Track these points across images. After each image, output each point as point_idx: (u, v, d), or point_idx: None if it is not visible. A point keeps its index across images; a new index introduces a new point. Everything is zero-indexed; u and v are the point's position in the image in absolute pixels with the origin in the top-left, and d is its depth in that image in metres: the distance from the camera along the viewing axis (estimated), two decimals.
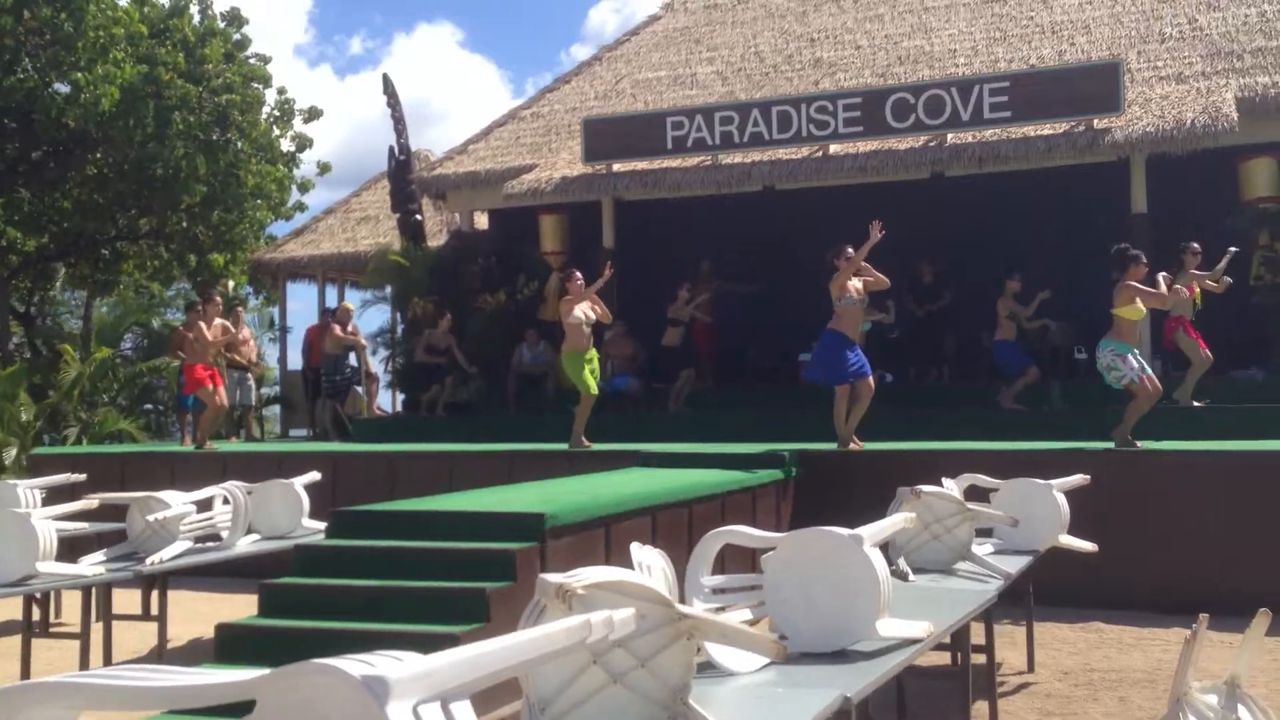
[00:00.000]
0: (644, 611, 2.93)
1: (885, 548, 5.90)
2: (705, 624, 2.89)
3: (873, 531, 4.14)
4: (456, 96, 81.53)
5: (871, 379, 10.44)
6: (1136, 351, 9.46)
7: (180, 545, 7.61)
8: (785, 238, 15.55)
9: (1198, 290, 11.50)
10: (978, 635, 6.12)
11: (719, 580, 4.05)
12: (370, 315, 19.30)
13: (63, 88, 17.87)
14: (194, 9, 19.46)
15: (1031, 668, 7.19)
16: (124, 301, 24.12)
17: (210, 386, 12.62)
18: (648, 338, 14.88)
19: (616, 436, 11.98)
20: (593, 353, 11.47)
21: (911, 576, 5.87)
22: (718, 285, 15.24)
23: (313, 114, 21.00)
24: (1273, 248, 13.10)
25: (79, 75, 17.03)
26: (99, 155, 19.83)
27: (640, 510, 7.25)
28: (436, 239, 18.49)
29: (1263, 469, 8.92)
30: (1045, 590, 8.39)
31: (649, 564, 3.27)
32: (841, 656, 3.99)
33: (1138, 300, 9.27)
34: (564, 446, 11.23)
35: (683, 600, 3.94)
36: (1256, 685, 6.76)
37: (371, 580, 5.95)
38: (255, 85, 19.65)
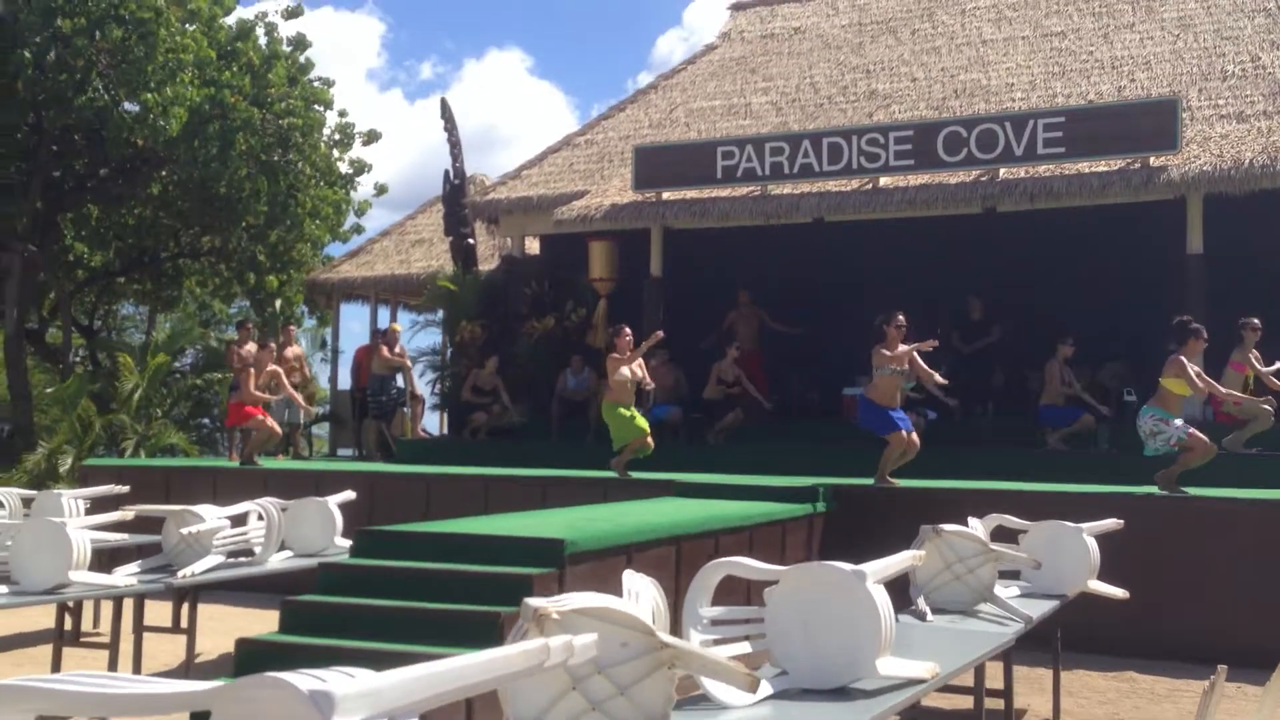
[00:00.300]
0: (625, 639, 2.93)
1: (904, 586, 5.84)
2: (686, 654, 2.87)
3: (877, 568, 4.09)
4: (523, 122, 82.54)
5: (915, 435, 10.37)
6: (1180, 420, 9.29)
7: (212, 559, 7.73)
8: (834, 270, 15.48)
9: (1250, 371, 11.25)
10: (996, 679, 6.03)
11: (718, 611, 4.03)
12: (420, 338, 19.55)
13: (131, 107, 18.31)
14: (259, 32, 19.90)
15: (1057, 715, 7.06)
16: (187, 316, 24.61)
17: (260, 417, 12.89)
18: (690, 366, 14.87)
19: (654, 466, 11.97)
20: (633, 411, 11.43)
21: (930, 616, 5.81)
22: (762, 315, 15.24)
23: (371, 137, 21.32)
24: None
25: (149, 96, 17.47)
26: (164, 174, 20.29)
27: (665, 540, 7.23)
28: (488, 263, 18.66)
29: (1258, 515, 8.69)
30: (1079, 637, 8.26)
31: (638, 591, 3.27)
32: (841, 694, 3.95)
33: (1185, 377, 9.13)
34: (601, 473, 11.25)
35: (679, 630, 3.92)
36: None
37: (391, 600, 5.98)
38: (317, 108, 20.00)
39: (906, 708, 5.40)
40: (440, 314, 18.88)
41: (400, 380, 16.49)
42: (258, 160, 19.02)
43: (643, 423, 11.11)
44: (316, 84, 20.55)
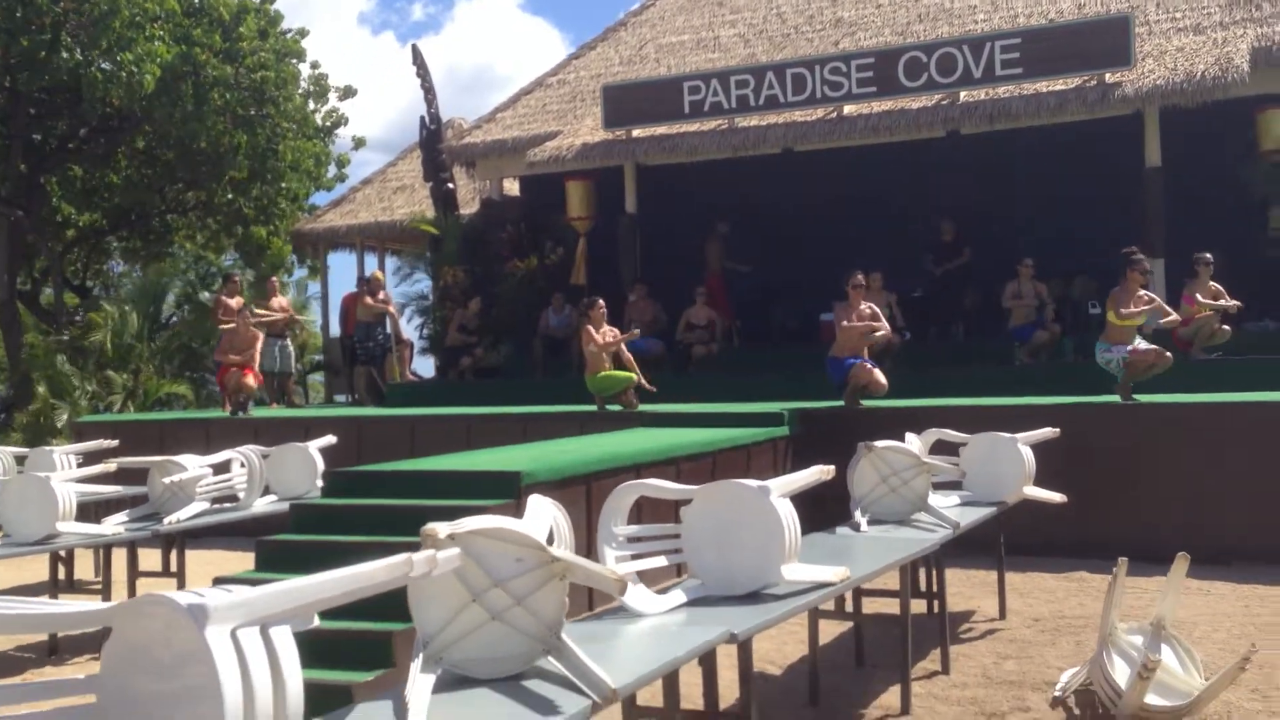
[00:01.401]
0: (520, 555, 3.29)
1: (838, 499, 6.22)
2: (572, 566, 3.22)
3: (782, 483, 4.44)
4: (517, 61, 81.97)
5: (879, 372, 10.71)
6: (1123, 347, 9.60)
7: (197, 506, 8.11)
8: (806, 198, 15.72)
9: (1202, 304, 11.54)
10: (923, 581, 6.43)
11: (634, 530, 4.38)
12: (407, 284, 19.89)
13: (106, 66, 18.47)
14: None
15: (1003, 615, 7.45)
16: (166, 271, 24.86)
17: (234, 377, 13.25)
18: (669, 300, 15.16)
19: (641, 398, 12.33)
20: (611, 371, 11.79)
21: (864, 527, 6.18)
22: (724, 265, 15.63)
23: (348, 92, 21.46)
24: None
25: (124, 55, 17.62)
26: (146, 131, 20.47)
27: (625, 468, 7.57)
28: (469, 207, 18.88)
29: (1246, 419, 9.04)
30: (1036, 542, 8.68)
31: (538, 512, 3.61)
32: (752, 599, 4.31)
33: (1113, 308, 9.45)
34: (578, 408, 11.65)
35: (593, 549, 4.29)
36: (1220, 630, 6.99)
37: (357, 536, 6.35)
38: (291, 61, 20.11)
39: (829, 607, 5.81)
40: (425, 258, 19.18)
41: (387, 326, 16.80)
42: (234, 115, 19.19)
43: (624, 376, 11.47)
44: (290, 35, 20.64)
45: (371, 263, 21.21)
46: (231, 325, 13.70)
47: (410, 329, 18.43)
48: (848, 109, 14.28)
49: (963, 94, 13.65)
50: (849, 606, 6.26)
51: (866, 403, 10.77)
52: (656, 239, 15.76)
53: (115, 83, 17.90)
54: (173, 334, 20.19)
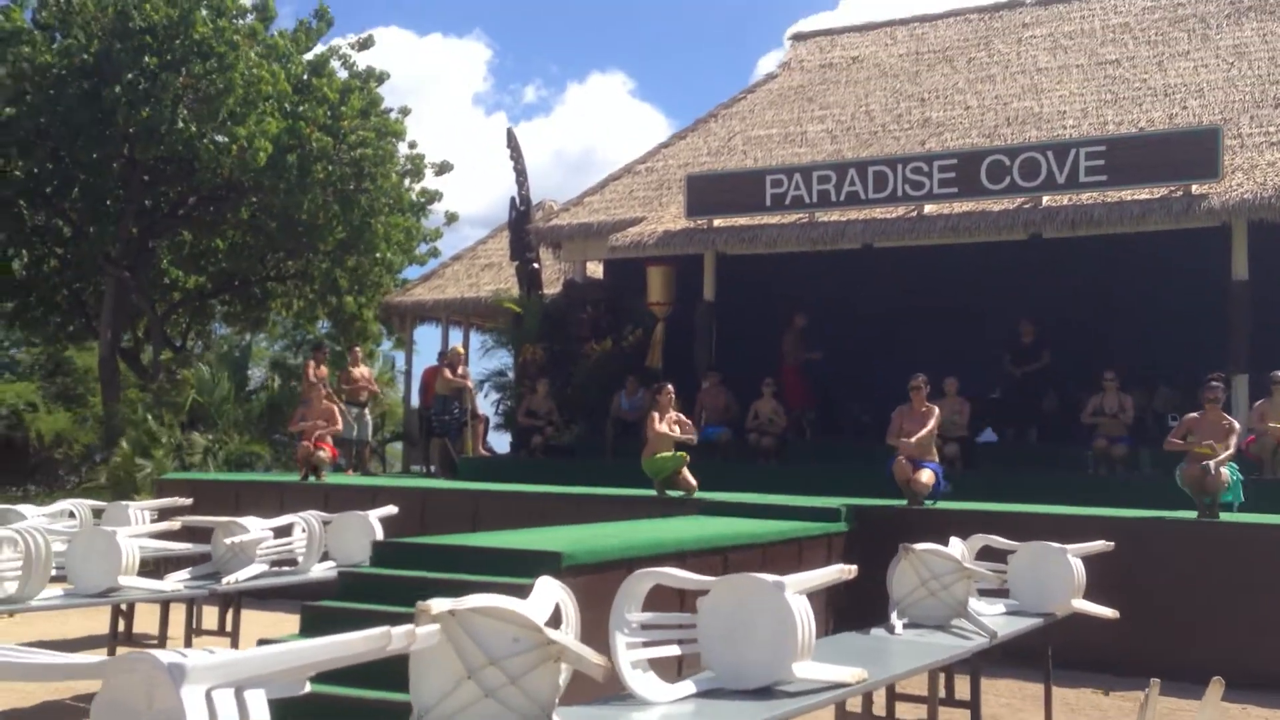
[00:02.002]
0: (517, 635, 3.37)
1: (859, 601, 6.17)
2: (566, 649, 3.29)
3: (798, 580, 4.46)
4: (624, 144, 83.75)
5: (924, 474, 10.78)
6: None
7: (256, 568, 8.34)
8: (883, 294, 15.75)
9: (1270, 427, 11.33)
10: (965, 691, 6.32)
11: (647, 617, 4.43)
12: (489, 359, 20.31)
13: (220, 138, 19.40)
14: (335, 64, 20.90)
15: None
16: (270, 336, 25.70)
17: (305, 449, 13.59)
18: (742, 390, 15.21)
19: (705, 486, 12.37)
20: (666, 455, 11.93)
21: (899, 630, 6.12)
22: (802, 357, 15.70)
23: (443, 168, 22.16)
24: None
25: (239, 129, 18.53)
26: (252, 201, 21.37)
27: (668, 555, 7.60)
28: (553, 287, 19.25)
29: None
30: (1093, 657, 8.47)
31: (545, 595, 3.69)
32: (763, 694, 4.32)
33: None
34: (638, 491, 11.73)
35: (606, 636, 4.34)
36: None
37: (400, 606, 6.47)
38: (390, 139, 20.90)
39: (856, 709, 5.75)
40: (507, 335, 19.55)
41: (465, 400, 17.12)
42: (334, 189, 19.96)
43: (674, 457, 11.58)
44: (394, 116, 21.46)
45: (456, 337, 21.69)
46: (311, 395, 14.08)
47: (488, 405, 18.73)
48: (928, 208, 14.34)
49: (1045, 198, 13.62)
50: (881, 710, 6.18)
51: (930, 504, 10.68)
52: (733, 328, 15.88)
53: (227, 155, 18.76)
54: (260, 397, 20.78)
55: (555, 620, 3.73)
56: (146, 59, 18.32)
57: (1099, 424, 12.96)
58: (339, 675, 5.08)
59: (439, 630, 3.02)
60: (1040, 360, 14.61)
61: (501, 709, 3.29)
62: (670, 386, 12.14)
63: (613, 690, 4.36)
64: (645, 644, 4.35)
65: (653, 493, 11.78)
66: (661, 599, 5.54)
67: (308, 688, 2.70)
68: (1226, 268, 12.86)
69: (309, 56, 20.68)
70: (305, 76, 20.21)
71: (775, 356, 15.74)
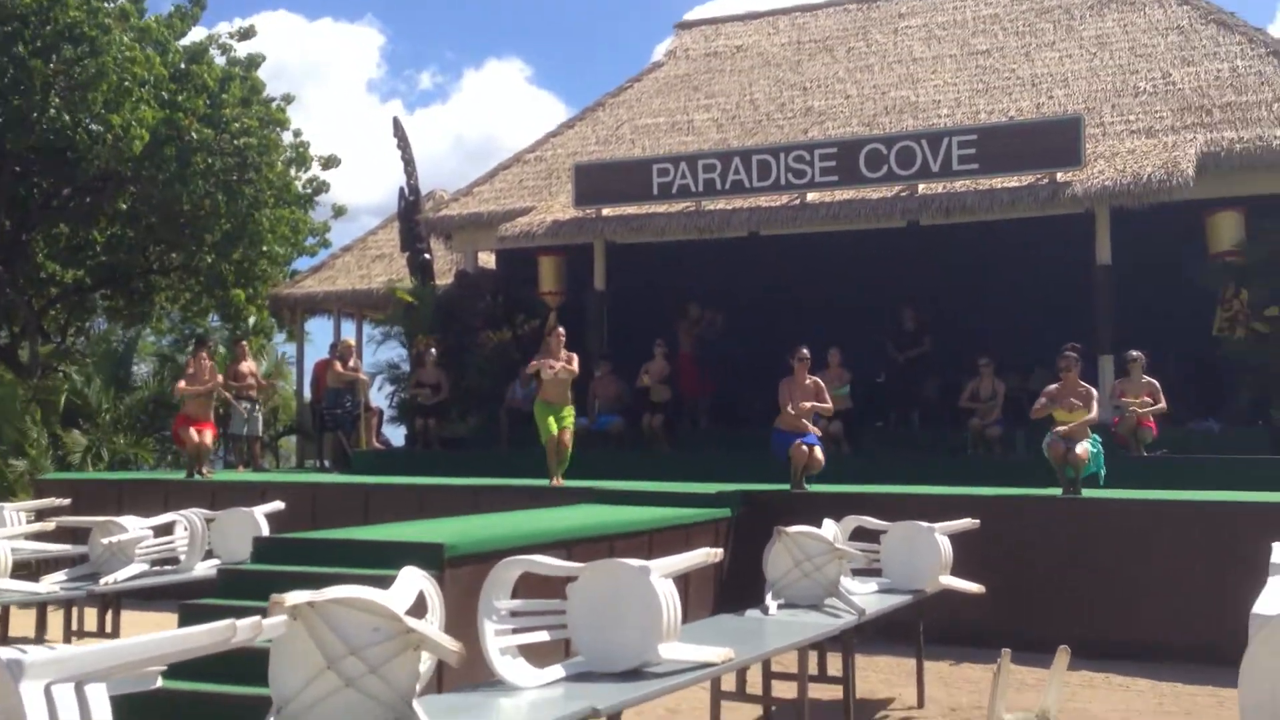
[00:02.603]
0: (377, 625, 3.46)
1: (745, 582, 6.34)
2: (427, 639, 3.39)
3: (664, 564, 4.61)
4: (524, 131, 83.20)
5: (818, 450, 10.98)
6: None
7: (136, 568, 8.24)
8: (771, 281, 16.05)
9: (1131, 399, 11.87)
10: (837, 667, 6.56)
11: (516, 604, 4.54)
12: (382, 351, 20.02)
13: (95, 128, 18.86)
14: (214, 52, 20.47)
15: (921, 703, 7.56)
16: (157, 331, 25.08)
17: (187, 431, 13.44)
18: (634, 378, 15.38)
19: (599, 474, 12.52)
20: (552, 415, 12.01)
21: (773, 610, 6.33)
22: (699, 328, 15.87)
23: (330, 161, 21.89)
24: (1238, 301, 13.30)
25: (113, 118, 18.03)
26: (131, 192, 20.83)
27: (554, 544, 7.72)
28: (446, 278, 19.19)
29: (1170, 518, 9.22)
30: (970, 632, 8.81)
31: (407, 585, 3.78)
32: (632, 675, 4.46)
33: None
34: (530, 481, 11.82)
35: (474, 623, 4.44)
36: None
37: None
38: (274, 129, 20.56)
39: (730, 688, 5.94)
40: (399, 328, 19.42)
41: (358, 393, 16.97)
42: (217, 180, 19.58)
43: (551, 427, 11.62)
44: (277, 104, 21.11)
45: (348, 329, 21.48)
46: (199, 387, 13.87)
47: (381, 397, 18.61)
48: (811, 196, 14.64)
49: (921, 186, 14.03)
50: (758, 689, 6.39)
51: (812, 486, 10.97)
52: (625, 317, 16.03)
53: (102, 144, 18.27)
54: (143, 394, 20.32)
55: (421, 609, 3.82)
56: (17, 47, 17.73)
57: (976, 409, 13.41)
58: (201, 671, 5.12)
59: (288, 622, 3.09)
60: (922, 346, 15.04)
61: (361, 698, 3.38)
62: (562, 329, 12.24)
63: (484, 677, 4.47)
64: (515, 630, 4.46)
65: (547, 482, 11.88)
66: (541, 586, 5.67)
67: (160, 683, 2.75)
68: (1091, 252, 13.39)
69: (185, 43, 20.22)
70: (183, 64, 19.75)
71: (670, 344, 15.89)
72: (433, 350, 16.03)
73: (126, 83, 17.89)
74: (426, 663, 3.70)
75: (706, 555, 4.90)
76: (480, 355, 16.75)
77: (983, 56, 16.89)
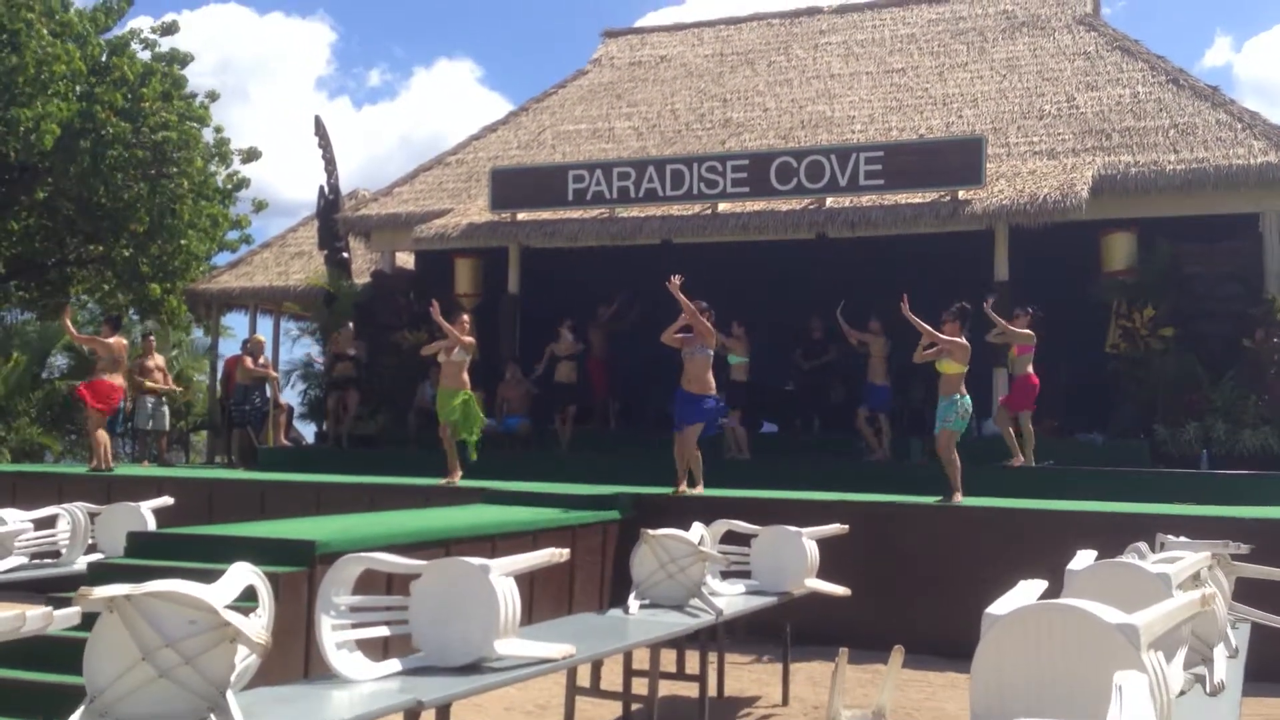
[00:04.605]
0: (194, 618, 3.56)
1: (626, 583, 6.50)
2: (241, 632, 3.49)
3: (505, 564, 4.75)
4: (472, 132, 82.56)
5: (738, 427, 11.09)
6: (956, 403, 10.15)
7: (14, 560, 8.19)
8: (684, 290, 16.20)
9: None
10: (694, 665, 6.75)
11: (356, 600, 4.65)
12: (296, 348, 19.90)
13: (10, 114, 18.60)
14: (136, 45, 20.26)
15: (785, 701, 7.76)
16: (74, 323, 24.70)
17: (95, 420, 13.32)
18: (545, 381, 15.50)
19: (503, 475, 12.61)
20: (466, 393, 12.01)
21: (634, 610, 6.49)
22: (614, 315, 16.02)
23: (251, 155, 21.76)
24: (1138, 316, 13.75)
25: (22, 112, 17.79)
26: (48, 183, 20.55)
27: (433, 543, 7.83)
28: (364, 277, 19.17)
29: (1029, 525, 9.50)
30: (829, 633, 9.03)
31: (234, 579, 3.88)
32: (470, 670, 4.59)
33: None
34: (427, 480, 11.88)
35: (312, 618, 4.55)
36: None
37: None
38: (192, 124, 20.41)
39: (585, 684, 6.09)
40: (315, 326, 19.35)
41: (267, 390, 16.91)
42: (135, 173, 19.39)
43: (450, 412, 11.64)
44: (199, 101, 20.96)
45: (265, 325, 21.34)
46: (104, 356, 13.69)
47: (294, 395, 18.55)
48: (722, 206, 14.88)
49: (829, 200, 14.32)
50: (618, 685, 6.55)
51: (724, 491, 11.11)
52: (538, 321, 16.14)
53: (14, 137, 18.03)
54: (59, 386, 20.07)
55: (257, 605, 3.94)
56: None
57: (870, 365, 13.69)
58: (24, 659, 5.20)
59: (106, 615, 3.20)
60: (828, 355, 15.35)
61: (175, 688, 3.47)
62: (466, 316, 12.29)
63: (320, 671, 4.58)
64: (354, 625, 4.57)
65: (442, 481, 11.94)
66: (398, 583, 5.79)
67: None
68: (990, 270, 13.77)
69: (108, 36, 20.02)
70: (103, 57, 19.54)
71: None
72: (350, 324, 16.06)
73: (43, 77, 17.68)
74: (251, 657, 3.79)
75: (551, 555, 5.04)
76: (396, 355, 16.78)
77: (898, 75, 17.26)
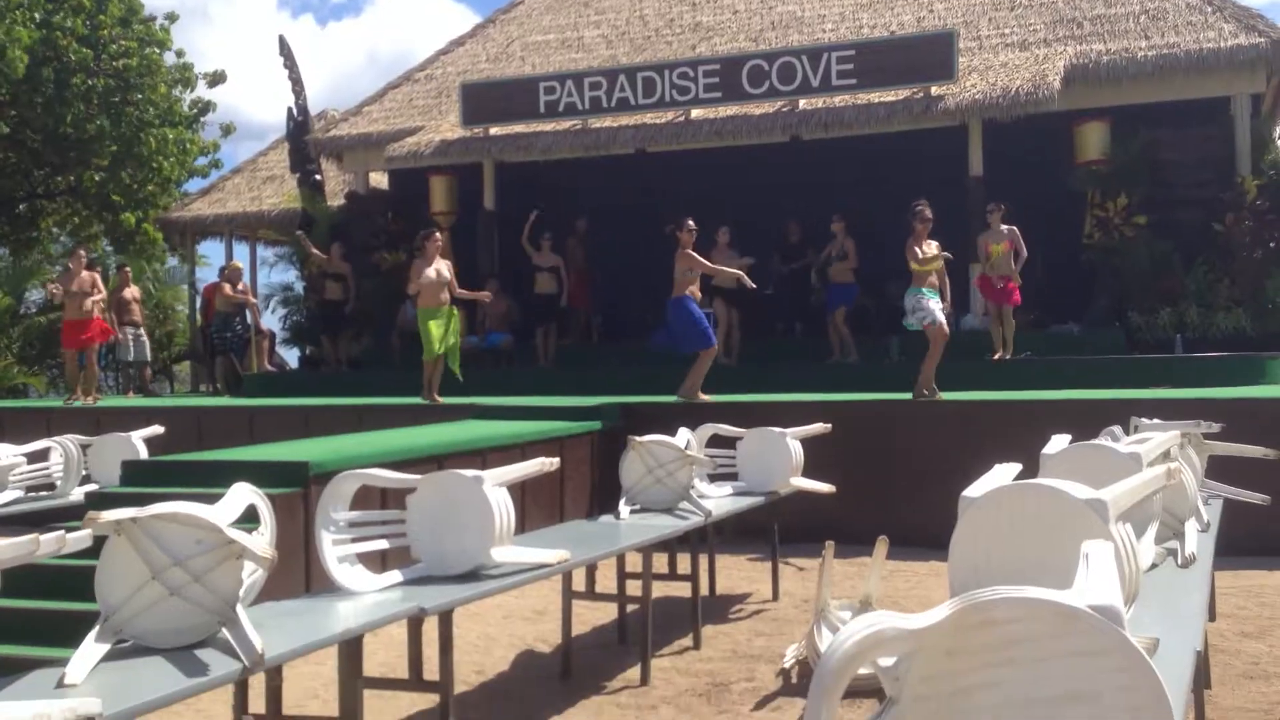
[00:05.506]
0: (200, 537, 3.67)
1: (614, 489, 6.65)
2: (246, 549, 3.61)
3: (498, 474, 4.88)
4: (438, 47, 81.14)
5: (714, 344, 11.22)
6: (935, 297, 10.26)
7: (10, 494, 8.30)
8: (659, 197, 16.20)
9: (994, 247, 12.32)
10: (686, 566, 6.95)
11: (355, 515, 4.77)
12: (275, 274, 19.78)
13: None
14: None
15: (776, 597, 7.99)
16: (49, 257, 24.56)
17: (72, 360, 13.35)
18: (524, 295, 15.54)
19: (487, 391, 12.70)
20: (448, 310, 11.98)
21: (625, 515, 6.65)
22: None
23: (216, 78, 21.43)
24: (1112, 205, 13.83)
25: None
26: (12, 115, 20.24)
27: (425, 459, 7.96)
28: (338, 199, 19.04)
29: (997, 415, 9.68)
30: (828, 529, 9.23)
31: (236, 499, 3.99)
32: (469, 578, 4.74)
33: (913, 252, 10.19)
34: (413, 400, 11.97)
35: (310, 537, 4.67)
36: None
37: None
38: (154, 49, 20.07)
39: (580, 588, 6.27)
40: (293, 249, 19.27)
41: (248, 316, 16.91)
42: (98, 101, 19.11)
43: (434, 342, 11.65)
44: (159, 24, 20.57)
45: (241, 252, 21.26)
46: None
47: (275, 320, 18.56)
48: (695, 113, 14.81)
49: (802, 102, 14.26)
50: (612, 588, 6.74)
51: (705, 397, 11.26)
52: (516, 235, 16.09)
53: None
54: (38, 321, 20.01)
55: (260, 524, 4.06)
56: None
57: (832, 273, 13.80)
58: (24, 589, 5.33)
59: (114, 539, 3.30)
60: (805, 258, 15.40)
61: (186, 605, 3.59)
62: (437, 234, 12.18)
63: (322, 586, 4.71)
64: (354, 540, 4.70)
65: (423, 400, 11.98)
66: (393, 498, 5.92)
67: None
68: (964, 165, 13.79)
69: None
70: None
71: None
72: (336, 244, 15.96)
73: (1, 4, 17.34)
74: (258, 573, 3.91)
75: (542, 465, 5.16)
76: (374, 277, 16.76)
77: None
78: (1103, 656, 1.79)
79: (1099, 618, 1.80)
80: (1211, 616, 6.49)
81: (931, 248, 10.29)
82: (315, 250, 15.98)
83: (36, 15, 18.42)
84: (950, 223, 13.98)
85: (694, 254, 10.95)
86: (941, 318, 10.25)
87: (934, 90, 13.55)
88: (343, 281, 15.90)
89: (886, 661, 1.96)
